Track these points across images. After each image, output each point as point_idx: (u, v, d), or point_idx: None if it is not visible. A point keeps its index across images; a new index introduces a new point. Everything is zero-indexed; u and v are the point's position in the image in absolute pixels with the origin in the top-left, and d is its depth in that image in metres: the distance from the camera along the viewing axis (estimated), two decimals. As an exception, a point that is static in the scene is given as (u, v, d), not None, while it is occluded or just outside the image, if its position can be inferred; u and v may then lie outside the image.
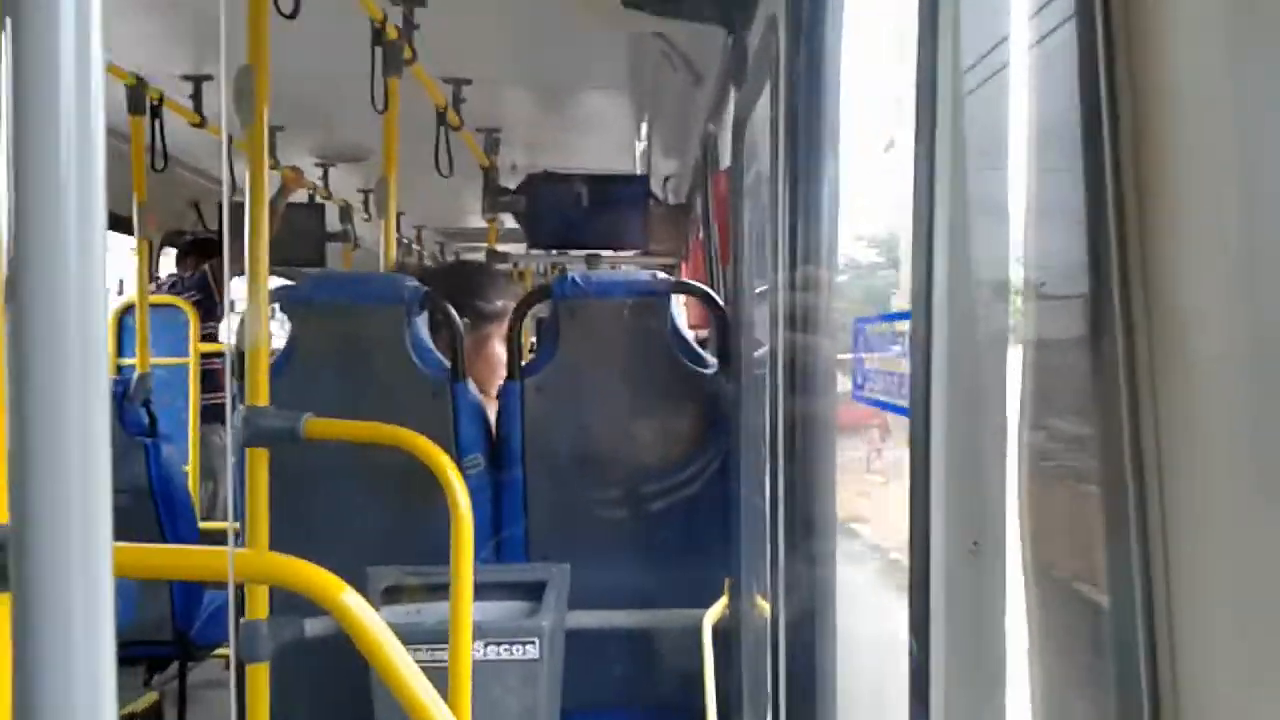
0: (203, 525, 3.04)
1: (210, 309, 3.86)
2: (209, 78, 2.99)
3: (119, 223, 3.01)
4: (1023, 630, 0.62)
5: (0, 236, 0.37)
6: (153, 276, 3.95)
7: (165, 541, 2.49)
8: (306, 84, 2.70)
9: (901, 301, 0.94)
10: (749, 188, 1.79)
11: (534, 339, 4.27)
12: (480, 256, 4.74)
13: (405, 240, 6.05)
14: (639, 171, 4.08)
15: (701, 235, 3.20)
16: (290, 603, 1.51)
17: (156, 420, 2.61)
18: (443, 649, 1.45)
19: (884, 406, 0.93)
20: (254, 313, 1.49)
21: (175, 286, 4.00)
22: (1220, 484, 0.43)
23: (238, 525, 1.58)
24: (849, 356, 1.10)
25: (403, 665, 1.02)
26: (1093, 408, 0.51)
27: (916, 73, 0.69)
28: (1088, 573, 0.54)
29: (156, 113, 2.91)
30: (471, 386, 1.84)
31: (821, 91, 1.18)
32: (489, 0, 2.40)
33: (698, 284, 2.10)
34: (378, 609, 1.43)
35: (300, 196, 4.14)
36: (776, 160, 1.28)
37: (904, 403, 0.76)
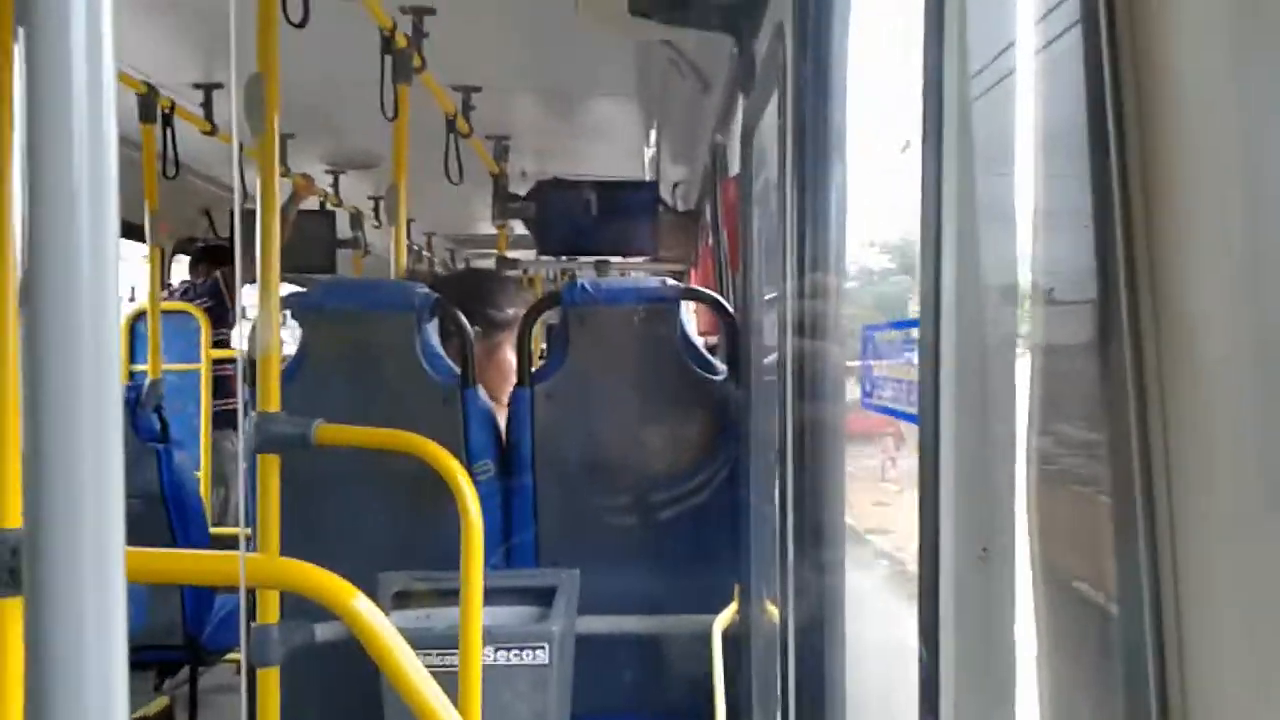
0: (214, 530, 3.06)
1: (222, 315, 3.88)
2: (220, 86, 3.01)
3: (131, 230, 3.03)
4: (1032, 636, 0.62)
5: (14, 243, 0.37)
6: (164, 284, 3.97)
7: (177, 547, 2.50)
8: (317, 92, 2.71)
9: (917, 309, 0.94)
10: (758, 194, 1.80)
11: (544, 345, 4.28)
12: (490, 263, 4.76)
13: (415, 247, 6.07)
14: (648, 178, 4.09)
15: (711, 242, 3.20)
16: (301, 608, 1.52)
17: (168, 426, 2.62)
18: (453, 654, 1.45)
19: (893, 414, 0.93)
20: (265, 319, 1.50)
21: (187, 293, 4.02)
22: (1228, 488, 0.43)
23: (249, 531, 1.59)
24: (858, 364, 1.10)
25: (413, 670, 1.02)
26: (1101, 413, 0.51)
27: (923, 78, 0.70)
28: (1096, 578, 0.54)
29: (168, 121, 2.93)
30: (482, 393, 1.85)
31: (829, 98, 1.18)
32: (497, 9, 2.41)
33: (707, 291, 2.11)
34: (388, 614, 1.43)
35: (311, 203, 4.17)
36: (785, 167, 1.28)
37: (913, 410, 0.76)
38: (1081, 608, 0.58)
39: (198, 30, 2.53)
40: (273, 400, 1.50)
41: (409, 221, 3.61)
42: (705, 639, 1.66)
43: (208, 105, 3.05)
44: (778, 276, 1.36)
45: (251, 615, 1.53)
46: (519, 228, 3.80)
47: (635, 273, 3.82)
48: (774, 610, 1.43)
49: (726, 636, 1.68)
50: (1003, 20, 0.70)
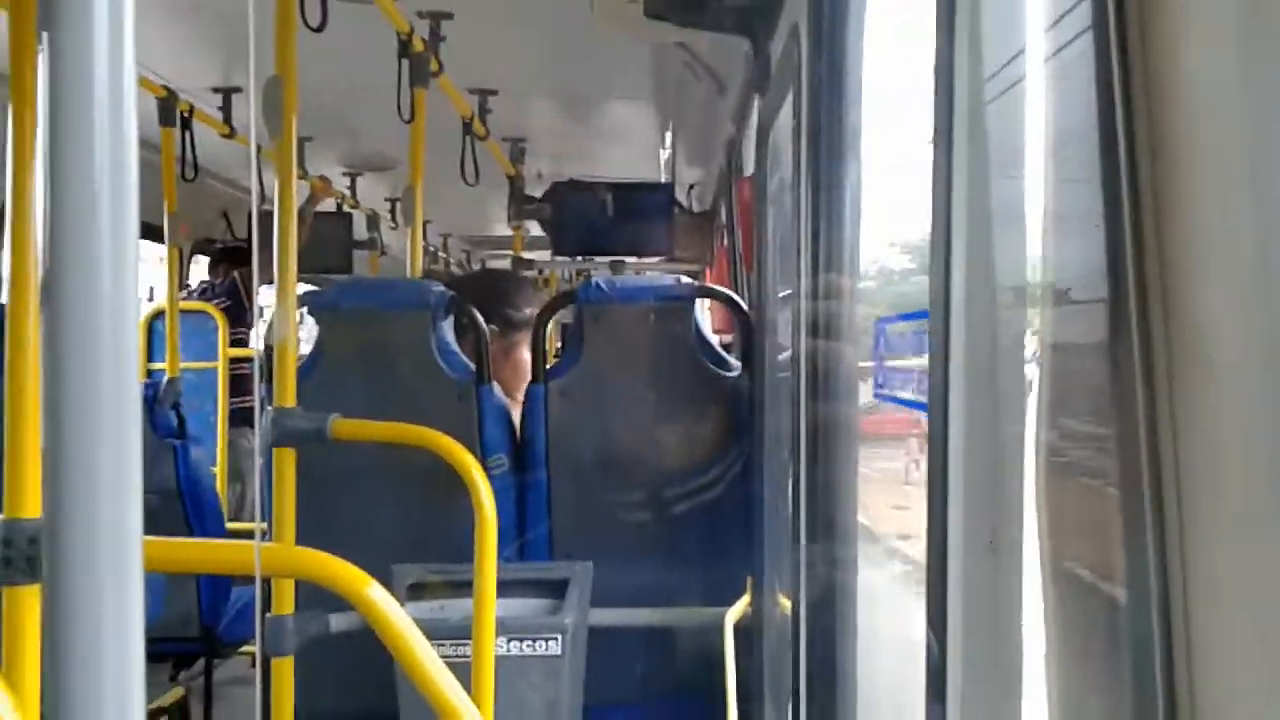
0: (230, 526, 3.08)
1: (240, 315, 3.91)
2: (238, 89, 3.03)
3: (150, 231, 3.06)
4: (1040, 629, 0.62)
5: (37, 243, 0.38)
6: (183, 284, 4.01)
7: None
8: (334, 95, 2.73)
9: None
10: (772, 194, 1.80)
11: (559, 345, 4.30)
12: (506, 264, 4.77)
13: (431, 248, 6.10)
14: (663, 179, 4.10)
15: (725, 242, 3.20)
16: (315, 599, 1.53)
17: (185, 423, 2.64)
18: (466, 644, 1.46)
19: (902, 404, 0.93)
20: (282, 317, 1.52)
21: (206, 293, 4.06)
22: (1237, 489, 0.43)
23: (265, 526, 1.60)
24: (872, 364, 1.10)
25: (427, 659, 1.02)
26: (1110, 412, 0.51)
27: (935, 82, 0.70)
28: (1105, 575, 0.54)
29: (187, 124, 2.95)
30: (496, 389, 1.86)
31: (844, 98, 1.19)
32: (514, 13, 2.42)
33: (721, 289, 2.11)
34: (402, 605, 1.44)
35: (328, 205, 4.19)
36: (799, 166, 1.29)
37: (921, 397, 0.76)
38: (1090, 604, 0.58)
39: (217, 34, 2.55)
40: (289, 396, 1.52)
41: (425, 223, 3.63)
42: (717, 631, 1.66)
43: (226, 108, 3.08)
44: (792, 274, 1.37)
45: (267, 606, 1.54)
46: (534, 229, 3.81)
47: (650, 273, 3.83)
48: (786, 603, 1.43)
49: (738, 629, 1.68)
50: (1014, 26, 0.70)
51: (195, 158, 2.97)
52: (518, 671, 1.56)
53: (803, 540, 1.25)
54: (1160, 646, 0.45)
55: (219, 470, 3.54)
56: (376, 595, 1.04)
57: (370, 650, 1.11)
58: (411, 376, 1.81)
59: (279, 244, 1.49)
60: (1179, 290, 0.46)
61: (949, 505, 0.67)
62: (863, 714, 1.12)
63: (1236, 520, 0.43)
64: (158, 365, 3.57)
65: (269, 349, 1.59)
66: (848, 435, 1.20)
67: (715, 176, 3.56)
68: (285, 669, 1.51)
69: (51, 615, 0.37)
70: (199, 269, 4.44)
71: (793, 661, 1.27)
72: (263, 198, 2.64)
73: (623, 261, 3.26)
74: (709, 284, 3.30)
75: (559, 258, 3.76)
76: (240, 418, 3.76)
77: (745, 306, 1.98)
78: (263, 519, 1.61)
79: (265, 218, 1.44)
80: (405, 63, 2.25)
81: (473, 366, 1.83)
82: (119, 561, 0.37)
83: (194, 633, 2.59)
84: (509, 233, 4.24)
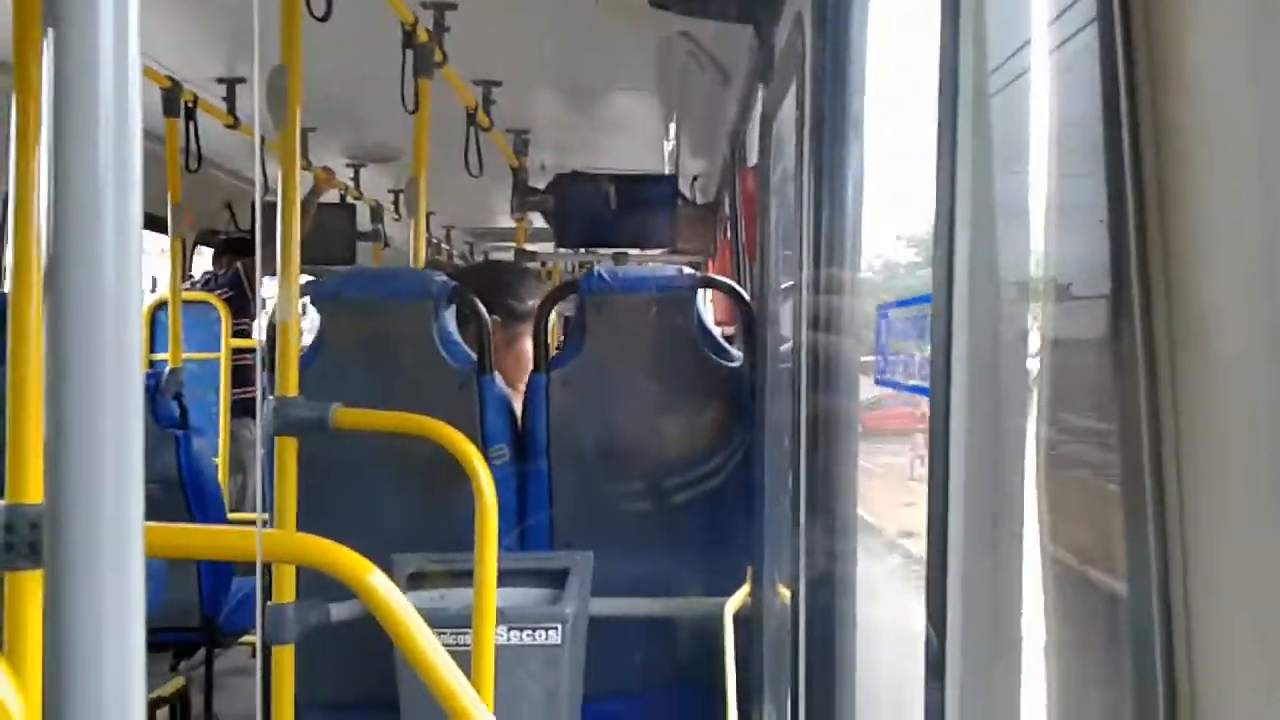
0: (231, 515, 3.08)
1: (243, 306, 3.91)
2: (242, 80, 3.03)
3: (154, 222, 3.06)
4: (1040, 620, 0.62)
5: (40, 233, 0.38)
6: (186, 275, 4.01)
7: None
8: (338, 86, 2.73)
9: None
10: (776, 184, 1.80)
11: (562, 336, 4.29)
12: (509, 255, 4.77)
13: (435, 240, 6.10)
14: (667, 171, 4.09)
15: (728, 233, 3.20)
16: (316, 587, 1.54)
17: (188, 413, 2.65)
18: (466, 633, 1.47)
19: (904, 389, 0.93)
20: (284, 307, 1.52)
21: (209, 284, 4.06)
22: (1239, 482, 0.43)
23: (266, 516, 1.61)
24: (874, 358, 1.10)
25: (428, 646, 1.02)
26: (1113, 406, 0.51)
27: (939, 74, 0.70)
28: (1106, 567, 0.54)
29: (191, 115, 2.95)
30: (498, 379, 1.86)
31: (847, 88, 1.18)
32: (518, 3, 2.41)
33: (723, 279, 2.11)
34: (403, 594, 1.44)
35: (331, 196, 4.19)
36: (802, 156, 1.28)
37: (923, 382, 0.76)
38: (1091, 596, 0.58)
39: (221, 25, 2.55)
40: (290, 385, 1.52)
41: (428, 215, 3.63)
42: (717, 620, 1.67)
43: (230, 99, 3.08)
44: (794, 265, 1.37)
45: (267, 594, 1.55)
46: (538, 221, 3.81)
47: (652, 264, 3.82)
48: (786, 593, 1.43)
49: (738, 618, 1.69)
50: (1019, 18, 0.70)
51: (199, 148, 2.97)
52: (518, 661, 1.56)
53: (803, 530, 1.25)
54: (1160, 638, 0.45)
55: (221, 461, 3.55)
56: (378, 582, 1.04)
57: (371, 638, 1.11)
58: (413, 366, 1.82)
59: (282, 235, 1.49)
60: (1183, 282, 0.46)
61: (950, 497, 0.67)
62: (862, 704, 1.13)
63: (1238, 512, 0.44)
64: (160, 356, 3.58)
65: (271, 335, 1.60)
66: (848, 426, 1.20)
67: (719, 168, 3.56)
68: (286, 657, 1.51)
69: (53, 600, 0.37)
70: (202, 260, 4.45)
71: (792, 651, 1.28)
72: (266, 189, 2.64)
73: (626, 254, 3.26)
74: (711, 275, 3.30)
75: (562, 249, 3.76)
76: (242, 408, 3.77)
77: (747, 297, 1.98)
78: (264, 508, 1.62)
79: (269, 209, 1.44)
80: (409, 53, 2.24)
81: (474, 356, 1.83)
82: (120, 547, 0.37)
83: (195, 623, 2.60)
84: (512, 225, 4.24)
